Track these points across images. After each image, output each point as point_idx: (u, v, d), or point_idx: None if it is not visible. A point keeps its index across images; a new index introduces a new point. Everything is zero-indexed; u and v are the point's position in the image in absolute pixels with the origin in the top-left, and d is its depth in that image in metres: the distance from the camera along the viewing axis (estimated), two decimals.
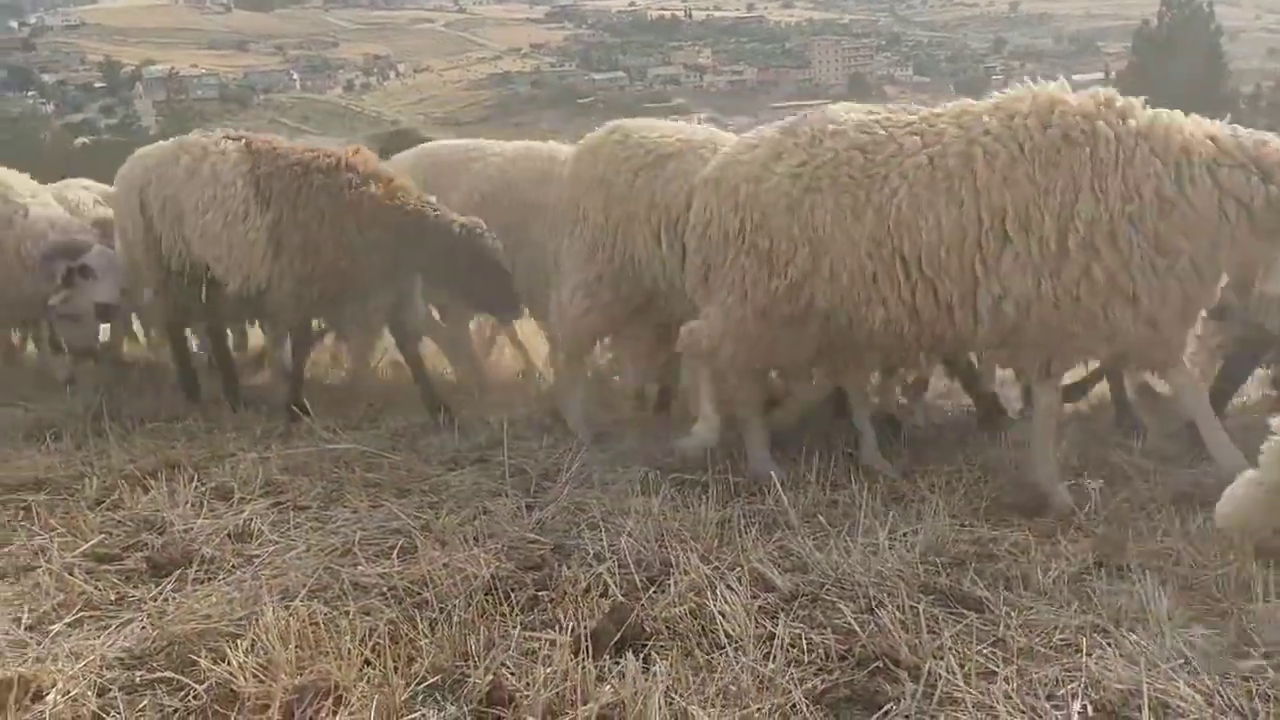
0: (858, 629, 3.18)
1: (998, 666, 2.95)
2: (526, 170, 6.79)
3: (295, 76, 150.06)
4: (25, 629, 3.41)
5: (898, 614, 3.22)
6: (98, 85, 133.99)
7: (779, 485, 4.18)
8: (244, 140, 6.31)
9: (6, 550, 4.08)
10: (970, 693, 2.80)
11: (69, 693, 2.94)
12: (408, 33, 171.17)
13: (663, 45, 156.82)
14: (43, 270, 6.85)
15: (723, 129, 6.07)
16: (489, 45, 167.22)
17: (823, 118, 4.69)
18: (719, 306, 4.77)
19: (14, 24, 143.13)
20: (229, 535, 4.20)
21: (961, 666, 2.91)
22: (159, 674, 3.08)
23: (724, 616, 3.23)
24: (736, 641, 3.11)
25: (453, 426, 5.62)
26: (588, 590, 3.50)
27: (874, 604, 3.35)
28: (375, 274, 6.04)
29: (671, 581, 3.53)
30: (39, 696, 2.91)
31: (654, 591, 3.51)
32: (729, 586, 3.45)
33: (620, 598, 3.41)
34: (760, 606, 3.36)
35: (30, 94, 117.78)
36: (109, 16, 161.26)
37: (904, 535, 3.88)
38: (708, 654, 3.09)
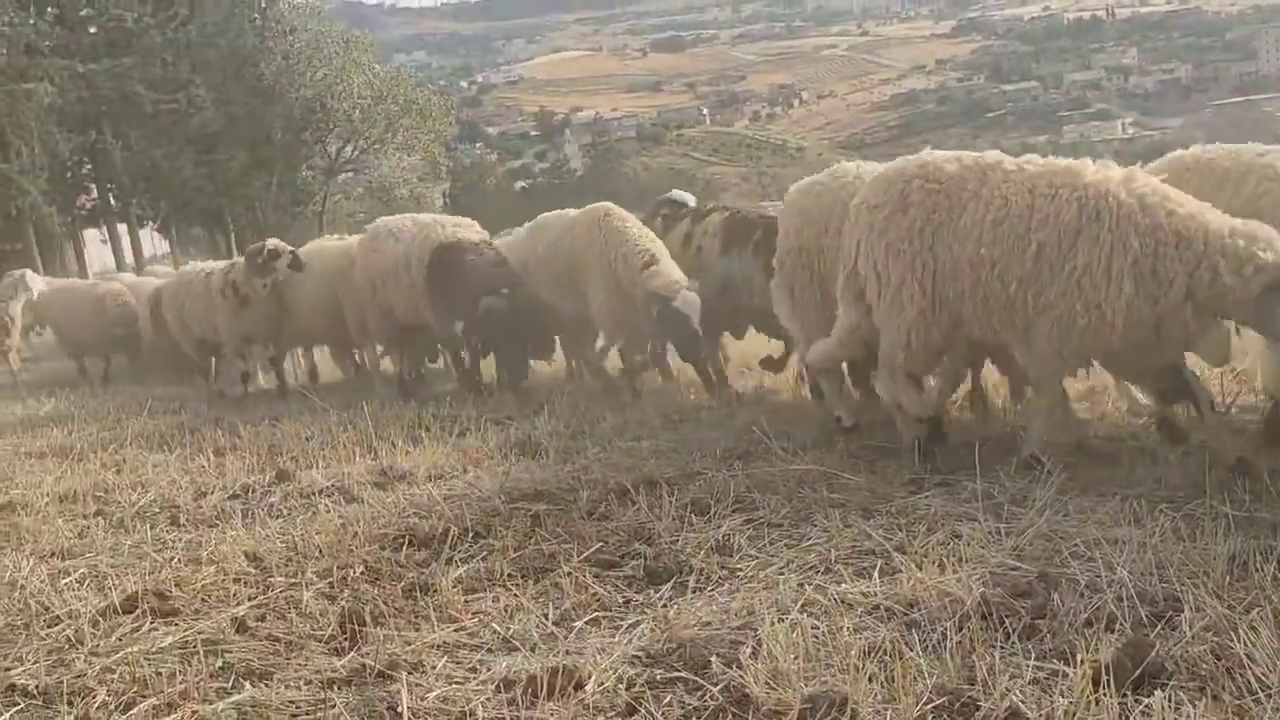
0: None
1: None
2: None
3: (705, 112, 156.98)
4: (553, 624, 3.81)
5: None
6: (533, 134, 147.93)
7: None
8: None
9: (524, 552, 4.59)
10: None
11: (603, 684, 3.25)
12: (812, 60, 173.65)
13: (1081, 49, 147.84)
14: None
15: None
16: (893, 65, 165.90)
17: None
18: None
19: (465, 84, 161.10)
20: (712, 548, 4.46)
21: None
22: (676, 673, 3.33)
23: (1253, 660, 2.98)
24: (1272, 689, 2.86)
25: (914, 449, 5.59)
26: (1090, 622, 3.36)
27: None
28: None
29: (1184, 619, 3.31)
30: (579, 685, 3.24)
31: (1163, 628, 3.31)
32: (1252, 628, 3.18)
33: (1129, 632, 3.25)
34: None
35: (478, 145, 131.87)
36: (542, 70, 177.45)
37: None
38: (1238, 699, 2.87)
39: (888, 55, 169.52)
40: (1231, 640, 3.11)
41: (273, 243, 10.86)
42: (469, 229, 9.89)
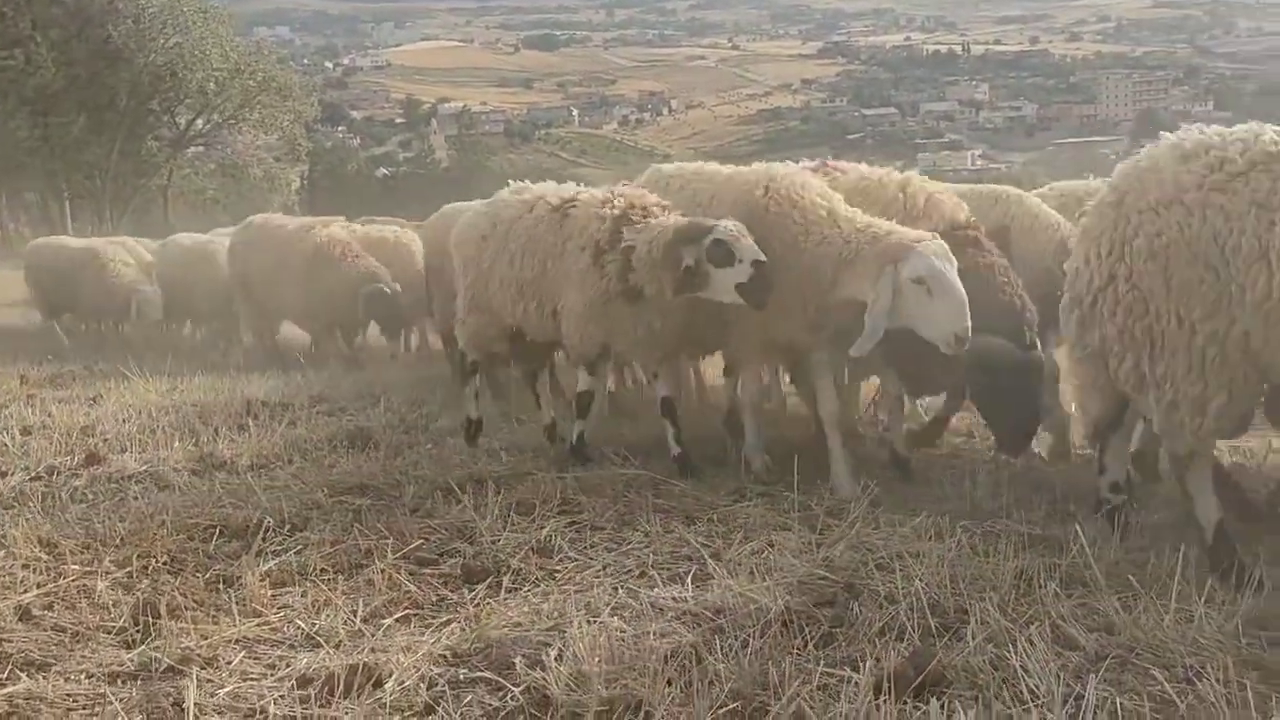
0: (1175, 698, 3.01)
1: None
2: None
3: (574, 112, 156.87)
4: (361, 621, 3.75)
5: (1220, 687, 3.03)
6: (398, 121, 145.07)
7: (1085, 540, 4.01)
8: None
9: (340, 547, 4.50)
10: None
11: (403, 683, 3.21)
12: (682, 69, 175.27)
13: (938, 80, 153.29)
14: None
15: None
16: (760, 81, 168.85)
17: None
18: None
19: (329, 65, 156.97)
20: (532, 549, 4.46)
21: None
22: (479, 673, 3.32)
23: (1026, 671, 3.15)
24: (1041, 698, 3.02)
25: (739, 460, 5.71)
26: (883, 631, 3.49)
27: (1191, 674, 3.16)
28: None
29: (969, 630, 3.46)
30: (379, 684, 3.19)
31: (950, 639, 3.46)
32: (1030, 641, 3.35)
33: (916, 642, 3.38)
34: (1064, 664, 3.25)
35: (340, 129, 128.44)
36: (411, 58, 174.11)
37: (1222, 604, 3.64)
38: (1009, 708, 3.02)
39: (756, 71, 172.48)
40: (1009, 652, 3.27)
41: (727, 229, 5.16)
42: None
